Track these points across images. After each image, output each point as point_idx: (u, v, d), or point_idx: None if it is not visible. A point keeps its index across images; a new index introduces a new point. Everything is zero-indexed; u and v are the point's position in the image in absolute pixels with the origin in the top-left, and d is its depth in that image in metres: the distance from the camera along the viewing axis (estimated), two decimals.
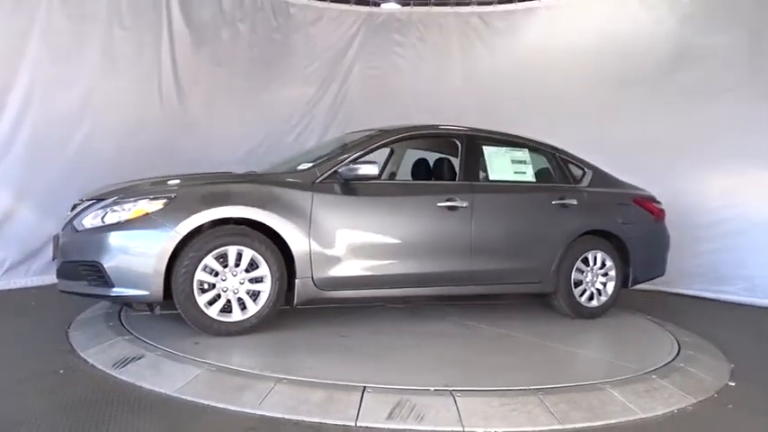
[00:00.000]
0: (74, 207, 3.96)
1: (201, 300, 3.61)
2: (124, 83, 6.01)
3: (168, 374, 3.11)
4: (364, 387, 2.99)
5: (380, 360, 3.53)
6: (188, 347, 3.41)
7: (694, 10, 6.66)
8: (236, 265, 3.69)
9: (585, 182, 4.99)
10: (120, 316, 4.02)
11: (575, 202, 4.74)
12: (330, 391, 2.96)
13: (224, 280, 3.67)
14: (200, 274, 3.60)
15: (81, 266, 3.65)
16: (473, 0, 7.87)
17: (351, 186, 4.03)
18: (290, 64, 7.59)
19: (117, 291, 3.54)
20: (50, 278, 5.06)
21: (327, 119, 7.80)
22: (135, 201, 3.64)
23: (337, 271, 3.94)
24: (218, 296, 3.67)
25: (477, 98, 7.51)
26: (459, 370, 3.42)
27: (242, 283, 3.71)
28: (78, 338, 3.69)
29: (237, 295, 3.71)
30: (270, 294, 3.75)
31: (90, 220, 3.68)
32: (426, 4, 8.08)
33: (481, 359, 3.67)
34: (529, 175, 4.75)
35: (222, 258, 3.66)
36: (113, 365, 3.22)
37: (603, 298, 4.85)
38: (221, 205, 3.66)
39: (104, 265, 3.51)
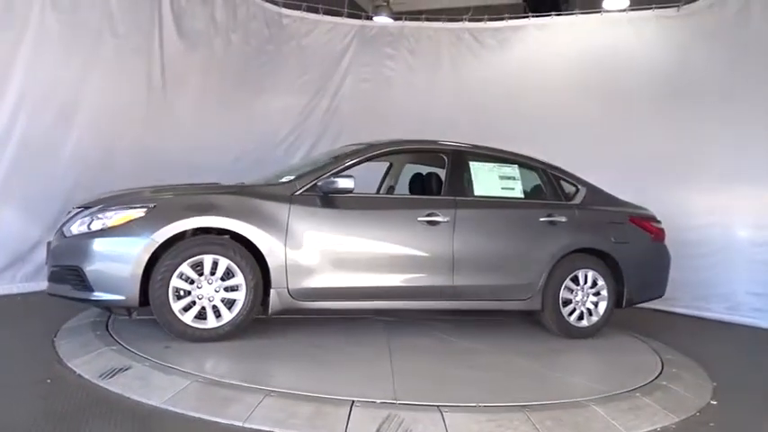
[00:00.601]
0: (68, 213, 4.02)
1: (176, 306, 3.68)
2: (115, 90, 5.98)
3: (156, 386, 3.10)
4: (353, 401, 3.00)
5: (349, 371, 3.56)
6: (162, 353, 3.45)
7: (680, 32, 6.80)
8: (212, 274, 3.74)
9: (578, 199, 4.92)
10: (107, 325, 3.99)
11: (564, 219, 4.67)
12: (318, 405, 2.97)
13: (199, 288, 3.73)
14: (175, 281, 3.67)
15: (65, 271, 3.74)
16: (464, 16, 7.97)
17: (330, 199, 4.07)
18: (283, 74, 7.63)
19: (96, 295, 3.63)
20: (37, 284, 5.04)
21: (319, 129, 7.85)
22: (118, 209, 3.73)
23: (313, 282, 3.97)
24: (194, 303, 3.72)
25: (467, 112, 7.57)
26: (424, 384, 3.43)
27: (217, 291, 3.76)
28: (65, 347, 3.66)
29: (212, 303, 3.76)
30: (244, 303, 3.79)
31: (77, 227, 3.79)
32: (418, 19, 8.16)
33: (452, 373, 3.69)
34: (517, 192, 4.70)
35: (198, 266, 3.72)
36: (101, 376, 3.20)
37: (594, 318, 4.74)
38: (198, 215, 3.74)
39: (84, 270, 3.61)
